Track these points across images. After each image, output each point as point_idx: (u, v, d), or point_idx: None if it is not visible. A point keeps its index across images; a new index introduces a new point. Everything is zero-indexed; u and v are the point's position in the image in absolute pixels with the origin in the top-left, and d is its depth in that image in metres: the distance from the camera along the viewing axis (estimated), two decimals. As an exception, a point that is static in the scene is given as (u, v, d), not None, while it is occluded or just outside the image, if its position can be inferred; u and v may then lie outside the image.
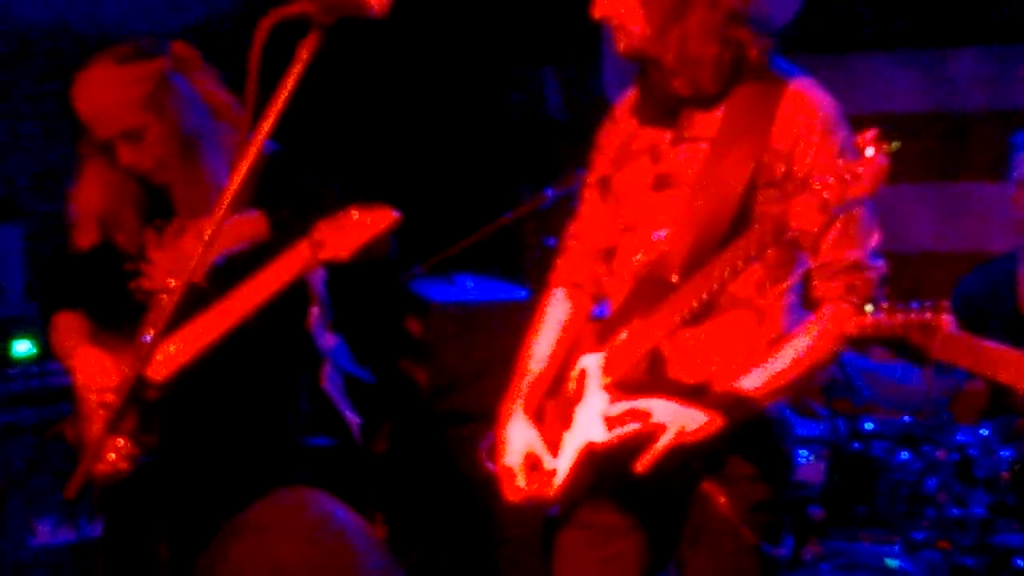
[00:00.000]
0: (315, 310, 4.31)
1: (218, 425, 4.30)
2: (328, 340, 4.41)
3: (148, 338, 4.14)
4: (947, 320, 3.60)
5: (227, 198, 3.12)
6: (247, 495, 3.19)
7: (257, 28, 3.12)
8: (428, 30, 7.00)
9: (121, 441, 4.11)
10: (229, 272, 4.00)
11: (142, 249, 4.35)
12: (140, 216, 4.36)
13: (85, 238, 4.43)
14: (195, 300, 3.98)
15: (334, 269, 4.10)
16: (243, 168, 3.13)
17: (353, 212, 3.94)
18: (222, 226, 3.11)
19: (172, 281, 4.27)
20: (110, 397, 4.23)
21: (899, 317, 3.57)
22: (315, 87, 3.29)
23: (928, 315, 3.60)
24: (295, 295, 4.14)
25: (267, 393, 4.36)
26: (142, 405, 4.07)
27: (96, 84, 4.18)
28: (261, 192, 3.91)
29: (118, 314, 4.36)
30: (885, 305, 3.56)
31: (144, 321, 4.23)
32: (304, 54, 3.20)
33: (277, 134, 3.11)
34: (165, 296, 4.23)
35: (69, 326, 4.48)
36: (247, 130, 3.18)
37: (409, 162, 7.05)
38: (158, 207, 4.33)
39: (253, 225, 4.09)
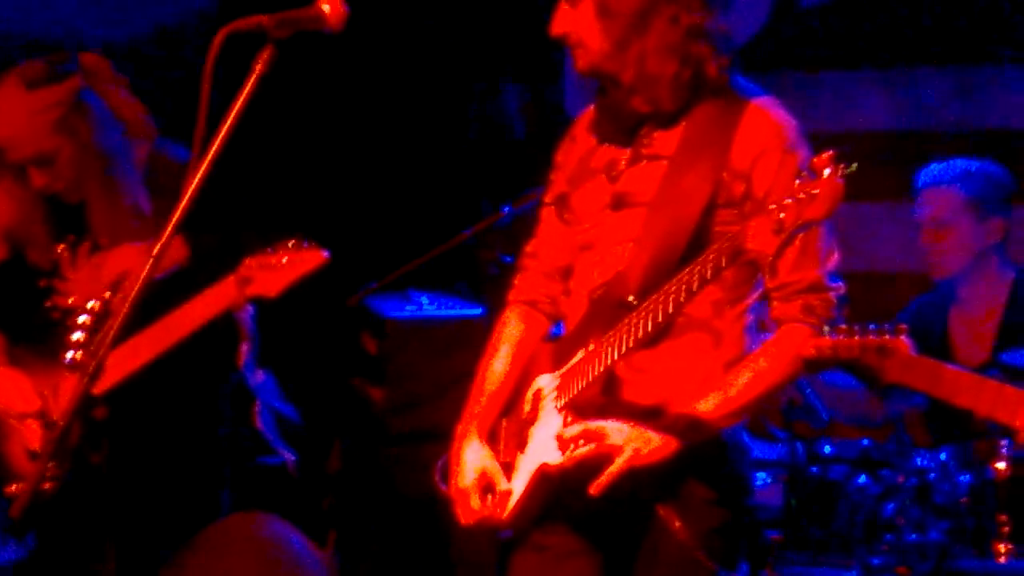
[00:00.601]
0: (244, 346, 4.27)
1: (148, 447, 4.25)
2: (258, 377, 4.38)
3: (70, 358, 4.11)
4: (905, 342, 3.57)
5: (175, 219, 3.07)
6: (181, 515, 3.15)
7: (211, 42, 3.08)
8: (387, 44, 6.96)
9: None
10: (150, 298, 3.90)
11: (56, 266, 4.30)
12: (52, 232, 4.31)
13: None
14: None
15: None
16: (193, 186, 3.08)
17: (281, 252, 3.91)
18: (167, 247, 3.06)
19: (92, 302, 4.21)
20: (29, 420, 4.19)
21: (856, 339, 3.54)
22: (271, 100, 3.24)
23: (886, 337, 3.57)
24: (221, 330, 4.09)
25: (192, 424, 4.31)
26: (87, 424, 4.01)
27: (5, 109, 4.12)
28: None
29: (31, 330, 4.31)
30: (842, 327, 3.53)
31: (61, 340, 4.18)
32: (258, 68, 3.17)
33: (227, 149, 3.07)
34: (88, 317, 4.18)
35: None
36: (199, 146, 3.13)
37: (366, 177, 7.01)
38: (70, 222, 4.27)
39: (173, 250, 4.00)
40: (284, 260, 3.92)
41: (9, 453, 4.32)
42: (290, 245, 3.93)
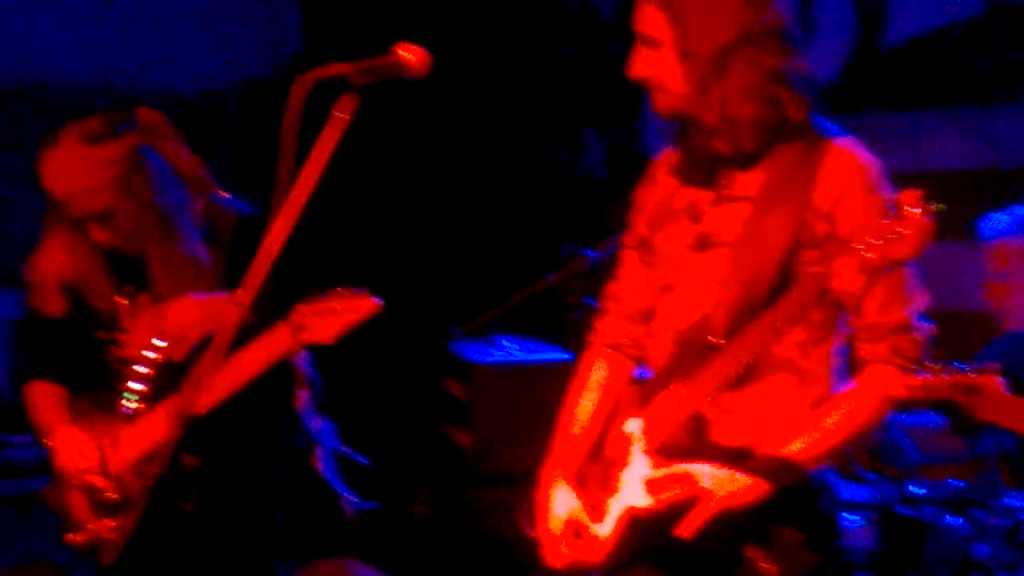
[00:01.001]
0: (303, 392, 4.29)
1: (235, 493, 4.28)
2: (316, 423, 4.39)
3: (128, 408, 4.15)
4: (997, 381, 3.53)
5: (264, 268, 3.09)
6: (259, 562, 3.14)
7: (293, 90, 3.11)
8: (469, 89, 7.00)
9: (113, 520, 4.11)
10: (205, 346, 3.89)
11: (115, 317, 4.32)
12: (111, 283, 4.33)
13: (52, 305, 4.40)
14: (174, 378, 3.99)
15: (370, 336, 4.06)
16: (278, 239, 3.10)
17: (334, 299, 3.92)
18: (259, 294, 3.09)
19: (151, 353, 4.24)
20: (91, 478, 4.22)
21: (947, 378, 3.50)
22: (356, 146, 3.26)
23: (977, 376, 3.53)
24: (278, 376, 4.11)
25: (250, 475, 4.33)
26: (176, 472, 4.04)
27: (65, 165, 4.15)
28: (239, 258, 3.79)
29: (90, 381, 4.34)
30: (933, 366, 3.50)
31: (119, 390, 4.22)
32: (340, 116, 3.19)
33: (311, 197, 3.09)
34: (146, 367, 4.22)
35: (45, 399, 4.46)
36: (283, 195, 3.15)
37: (449, 223, 7.03)
38: (129, 273, 4.30)
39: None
40: (337, 307, 3.93)
41: (71, 503, 4.35)
42: (344, 293, 3.94)
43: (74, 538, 4.27)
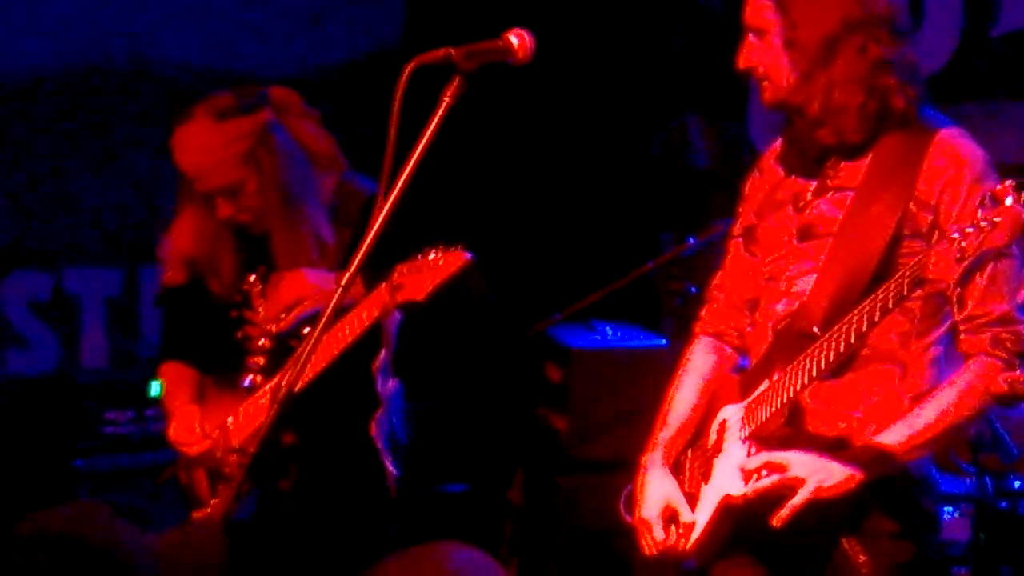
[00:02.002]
0: (383, 353, 4.30)
1: (332, 472, 4.31)
2: (389, 385, 4.39)
3: (249, 381, 4.21)
4: None
5: (364, 250, 3.12)
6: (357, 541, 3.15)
7: (400, 74, 3.13)
8: (574, 74, 7.00)
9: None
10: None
11: (247, 297, 4.37)
12: (239, 263, 4.37)
13: (173, 278, 4.45)
14: (284, 352, 4.05)
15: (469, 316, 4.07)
16: (381, 219, 3.13)
17: (429, 254, 3.92)
18: (355, 276, 3.12)
19: (268, 326, 4.29)
20: (192, 450, 4.29)
21: None
22: (459, 130, 3.28)
23: None
24: (371, 337, 4.13)
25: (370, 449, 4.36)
26: (275, 449, 4.08)
27: (195, 140, 4.20)
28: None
29: (224, 361, 4.38)
30: None
31: (244, 364, 4.27)
32: (446, 100, 3.21)
33: (415, 181, 3.11)
34: (265, 340, 4.27)
35: (175, 380, 4.52)
36: (387, 179, 3.18)
37: (552, 208, 7.04)
38: (259, 254, 4.34)
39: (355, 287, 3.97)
40: (430, 262, 3.93)
41: (196, 480, 4.41)
42: (436, 249, 3.94)
43: (199, 515, 4.31)
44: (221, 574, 2.10)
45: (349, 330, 4.04)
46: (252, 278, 4.38)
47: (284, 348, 4.22)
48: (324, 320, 3.28)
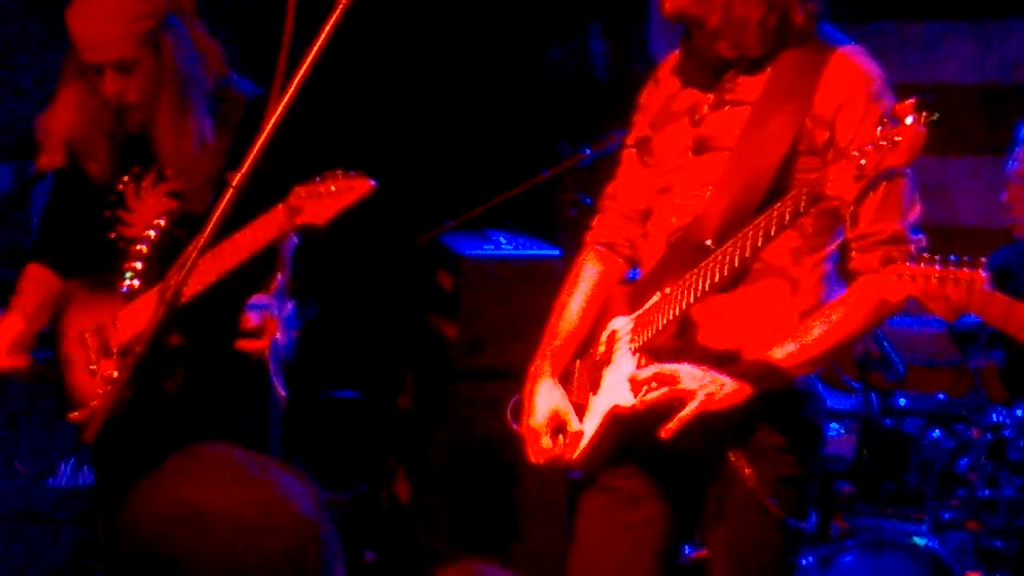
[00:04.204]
0: (279, 276, 4.27)
1: (216, 374, 4.28)
2: (286, 307, 4.37)
3: (127, 286, 4.16)
4: (982, 275, 3.53)
5: (254, 153, 3.08)
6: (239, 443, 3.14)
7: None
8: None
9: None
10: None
11: (121, 197, 4.31)
12: (116, 154, 4.32)
13: (50, 160, 4.38)
14: (164, 258, 4.05)
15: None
16: (272, 121, 3.09)
17: (330, 181, 3.90)
18: (246, 178, 3.07)
19: (150, 231, 4.24)
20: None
21: (937, 268, 3.49)
22: (353, 38, 3.23)
23: (965, 269, 3.53)
24: (264, 258, 4.09)
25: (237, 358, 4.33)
26: (160, 350, 4.04)
27: (98, 10, 4.13)
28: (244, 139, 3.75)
29: (95, 261, 4.34)
30: (924, 256, 3.49)
31: (121, 269, 4.23)
32: (342, 3, 3.16)
33: (307, 86, 3.07)
34: (145, 246, 4.22)
35: (29, 285, 4.47)
36: (280, 81, 3.13)
37: (447, 115, 7.00)
38: (136, 153, 4.29)
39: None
40: (332, 188, 3.91)
41: (74, 379, 4.36)
42: (338, 174, 3.92)
43: (77, 416, 4.27)
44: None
45: (242, 246, 4.00)
46: (126, 178, 4.32)
47: (164, 254, 4.17)
48: (211, 225, 3.23)
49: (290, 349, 4.42)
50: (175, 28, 4.18)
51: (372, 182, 3.91)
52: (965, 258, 3.55)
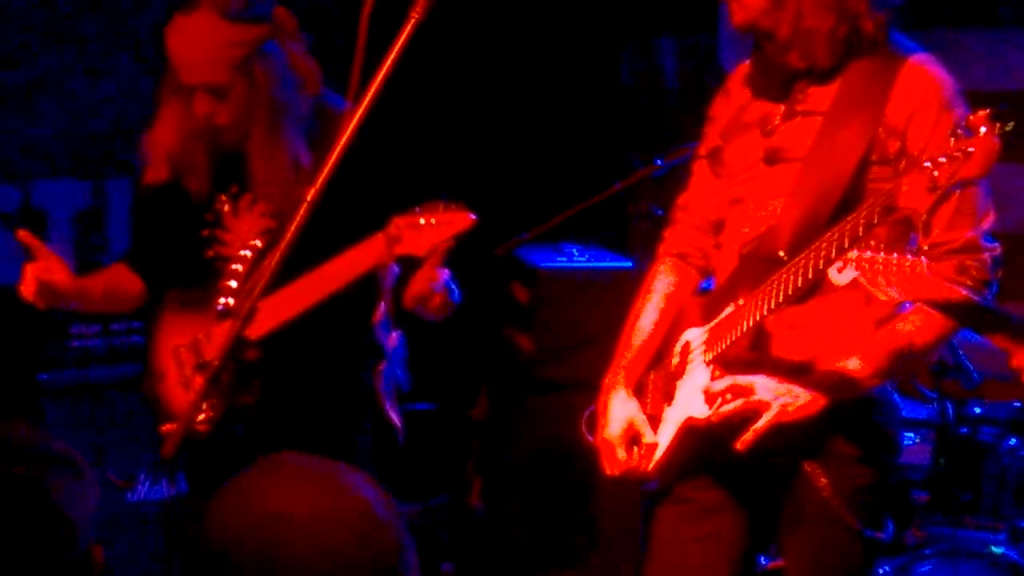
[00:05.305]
0: (382, 305, 4.29)
1: (297, 390, 4.31)
2: (391, 339, 4.41)
3: (222, 304, 4.19)
4: None
5: (329, 167, 3.11)
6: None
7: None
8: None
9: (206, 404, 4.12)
10: (303, 249, 3.84)
11: (218, 216, 4.34)
12: (212, 168, 4.34)
13: (154, 174, 4.42)
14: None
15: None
16: (346, 137, 3.12)
17: (430, 212, 3.91)
18: (320, 193, 3.10)
19: (245, 251, 4.28)
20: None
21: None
22: (427, 52, 3.26)
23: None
24: (366, 285, 4.11)
25: (337, 371, 4.36)
26: (239, 365, 4.07)
27: (195, 30, 4.15)
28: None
29: (192, 278, 4.37)
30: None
31: (218, 287, 4.25)
32: (414, 16, 3.19)
33: (381, 101, 3.10)
34: (241, 265, 4.25)
35: (105, 275, 4.51)
36: (352, 95, 3.16)
37: (520, 128, 7.02)
38: (234, 172, 4.31)
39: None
40: (433, 221, 3.92)
41: (167, 393, 4.40)
42: (439, 206, 3.93)
43: (168, 429, 4.30)
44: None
45: (340, 273, 4.03)
46: (224, 197, 4.36)
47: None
48: (288, 237, 3.28)
49: (403, 379, 4.46)
50: (271, 54, 4.19)
51: (472, 216, 3.92)
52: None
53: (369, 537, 2.05)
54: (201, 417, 4.10)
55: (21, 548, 2.20)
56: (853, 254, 3.24)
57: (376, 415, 4.46)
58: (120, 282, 4.49)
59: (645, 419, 3.77)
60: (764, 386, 3.49)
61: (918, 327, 3.51)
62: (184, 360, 4.35)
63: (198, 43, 4.14)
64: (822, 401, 3.48)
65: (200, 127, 4.24)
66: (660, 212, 5.20)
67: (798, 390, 3.48)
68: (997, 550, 4.98)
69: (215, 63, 4.14)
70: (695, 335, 3.73)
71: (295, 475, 2.15)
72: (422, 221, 3.92)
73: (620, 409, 3.80)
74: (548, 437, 5.89)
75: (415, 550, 2.11)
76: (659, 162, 5.46)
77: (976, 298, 3.26)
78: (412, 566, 2.09)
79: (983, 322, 3.33)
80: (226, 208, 4.34)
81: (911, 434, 5.26)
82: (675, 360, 3.77)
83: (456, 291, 4.15)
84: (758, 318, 3.52)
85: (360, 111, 3.21)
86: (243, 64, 4.13)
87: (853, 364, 3.50)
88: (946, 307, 3.29)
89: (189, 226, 4.37)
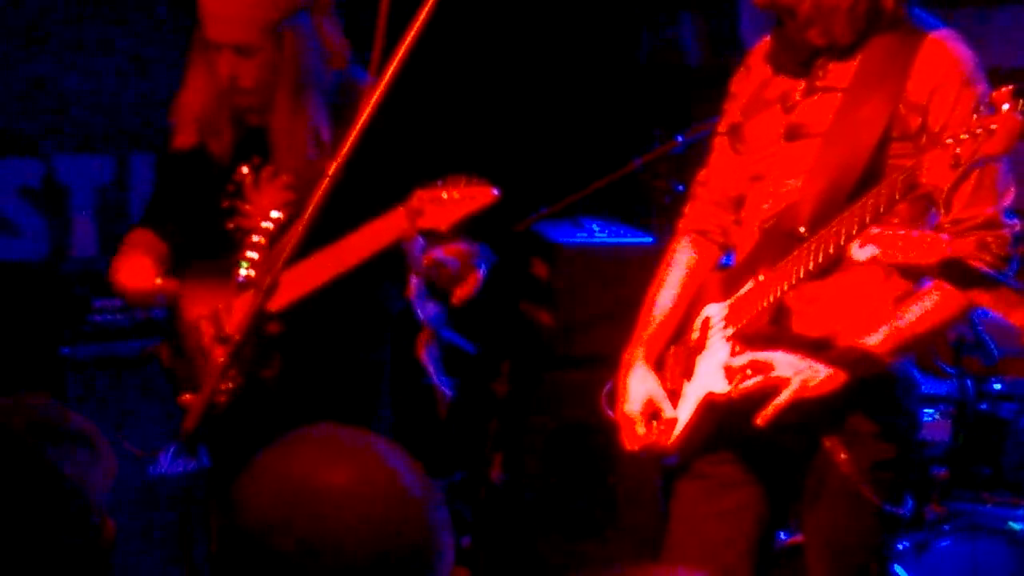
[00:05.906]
0: (414, 278, 4.30)
1: (318, 364, 4.32)
2: (429, 309, 4.40)
3: (243, 276, 4.20)
4: None
5: (351, 141, 3.12)
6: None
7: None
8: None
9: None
10: (326, 222, 3.85)
11: (239, 187, 4.35)
12: (237, 132, 4.34)
13: (183, 139, 4.42)
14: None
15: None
16: (368, 110, 3.12)
17: (452, 187, 3.91)
18: (342, 167, 3.11)
19: (266, 223, 4.28)
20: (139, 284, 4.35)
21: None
22: (447, 26, 3.26)
23: None
24: (392, 259, 4.11)
25: (358, 345, 4.37)
26: (260, 339, 4.08)
27: None
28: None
29: (212, 248, 4.37)
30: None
31: (237, 259, 4.26)
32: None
33: (403, 74, 3.10)
34: (262, 237, 4.26)
35: (137, 241, 4.51)
36: (375, 69, 3.17)
37: (540, 103, 7.02)
38: (257, 143, 4.31)
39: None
40: (456, 195, 3.92)
41: (187, 364, 4.41)
42: (462, 181, 3.93)
43: (189, 398, 4.30)
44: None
45: (361, 246, 4.03)
46: (246, 168, 4.36)
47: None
48: (311, 210, 3.29)
49: (462, 343, 4.46)
50: (303, 24, 4.19)
51: (495, 191, 3.93)
52: None
53: (399, 503, 2.07)
54: (222, 387, 4.11)
55: (31, 521, 2.23)
56: (874, 230, 3.25)
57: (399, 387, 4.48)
58: (151, 242, 4.50)
59: (665, 394, 3.78)
60: (784, 362, 3.50)
61: (937, 303, 3.51)
62: (204, 332, 4.36)
63: (231, 1, 4.14)
64: (842, 377, 3.48)
65: (224, 88, 4.24)
66: (681, 188, 5.20)
67: (818, 366, 3.49)
68: (1016, 526, 4.98)
69: (246, 22, 4.13)
70: (715, 310, 3.73)
71: (322, 445, 2.16)
72: (445, 195, 3.93)
73: (640, 384, 3.81)
74: (568, 412, 5.90)
75: (446, 513, 2.12)
76: (680, 138, 5.45)
77: (995, 274, 3.26)
78: (443, 531, 2.11)
79: (1001, 299, 3.34)
80: (248, 179, 4.34)
81: (931, 410, 5.26)
82: (695, 335, 3.78)
83: (484, 267, 4.16)
84: (779, 294, 3.52)
85: (382, 85, 3.22)
86: (273, 28, 4.13)
87: (873, 340, 3.50)
88: (964, 283, 3.30)
89: (210, 195, 4.37)
